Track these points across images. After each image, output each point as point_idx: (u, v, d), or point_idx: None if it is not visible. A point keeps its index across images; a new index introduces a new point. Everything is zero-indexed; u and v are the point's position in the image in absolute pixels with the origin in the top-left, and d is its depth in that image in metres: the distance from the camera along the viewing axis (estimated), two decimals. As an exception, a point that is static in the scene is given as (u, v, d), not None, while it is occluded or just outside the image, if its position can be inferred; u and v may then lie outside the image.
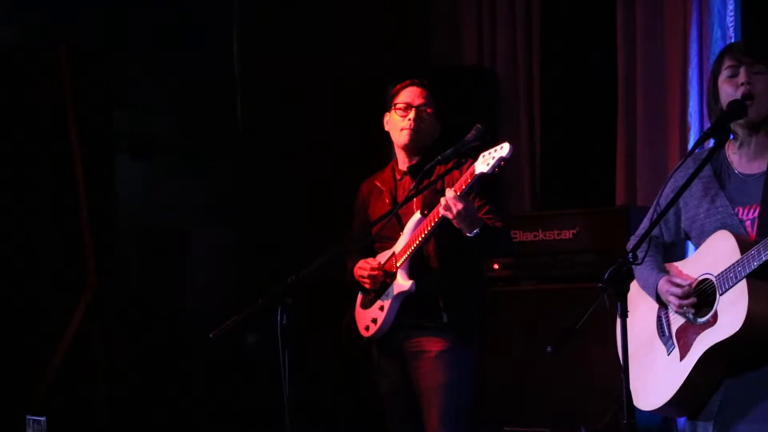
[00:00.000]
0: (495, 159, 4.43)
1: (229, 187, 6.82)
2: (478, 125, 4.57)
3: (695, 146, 3.78)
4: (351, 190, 5.09)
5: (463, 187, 4.49)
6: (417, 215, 4.70)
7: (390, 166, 4.95)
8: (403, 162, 4.87)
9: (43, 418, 4.97)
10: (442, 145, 4.68)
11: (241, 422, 6.45)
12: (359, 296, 4.90)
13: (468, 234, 4.51)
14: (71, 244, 6.43)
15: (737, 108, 3.65)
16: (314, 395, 6.14)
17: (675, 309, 3.73)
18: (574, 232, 5.87)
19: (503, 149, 4.44)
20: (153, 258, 6.82)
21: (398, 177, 4.87)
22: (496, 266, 6.05)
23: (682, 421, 5.82)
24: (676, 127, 6.10)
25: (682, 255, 4.07)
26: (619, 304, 3.46)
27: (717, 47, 5.93)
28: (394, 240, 4.76)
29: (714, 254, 3.65)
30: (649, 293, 3.84)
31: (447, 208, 4.48)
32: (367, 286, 4.78)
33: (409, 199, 4.57)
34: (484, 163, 4.46)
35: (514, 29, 6.83)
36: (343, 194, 5.16)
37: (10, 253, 6.29)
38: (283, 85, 6.73)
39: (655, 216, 3.66)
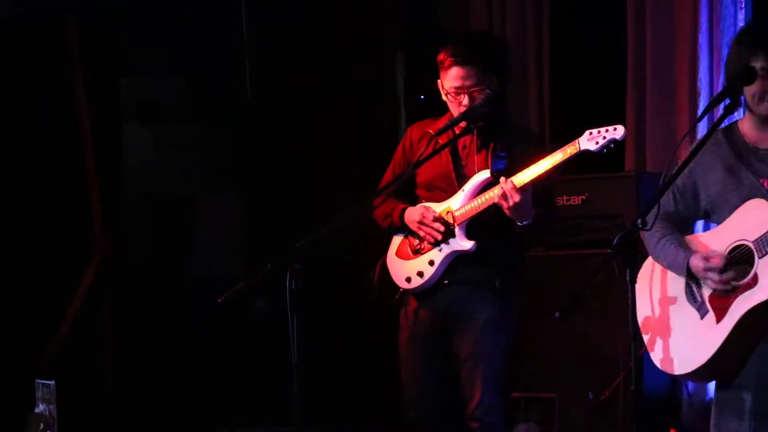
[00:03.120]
0: (606, 140, 4.22)
1: (238, 154, 6.82)
2: (488, 90, 4.51)
3: (705, 112, 3.83)
4: (359, 157, 5.06)
5: (561, 160, 4.32)
6: (485, 174, 4.51)
7: (446, 118, 4.72)
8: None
9: (52, 382, 4.98)
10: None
11: (248, 388, 6.47)
12: (397, 243, 4.71)
13: (518, 223, 4.40)
14: (79, 211, 6.45)
15: (742, 74, 3.66)
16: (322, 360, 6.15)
17: (716, 286, 3.72)
18: (584, 197, 5.85)
19: (617, 131, 4.21)
20: (161, 225, 6.82)
21: (458, 131, 4.58)
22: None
23: (690, 390, 5.83)
24: (686, 93, 6.07)
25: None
26: (628, 270, 3.46)
27: (727, 12, 5.91)
28: (449, 193, 4.59)
29: (750, 221, 3.68)
30: (676, 272, 3.83)
31: (504, 197, 4.32)
32: (422, 235, 4.55)
33: (426, 159, 4.44)
34: (591, 141, 4.25)
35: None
36: (351, 161, 5.15)
37: (20, 220, 6.31)
38: (291, 53, 6.71)
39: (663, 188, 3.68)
